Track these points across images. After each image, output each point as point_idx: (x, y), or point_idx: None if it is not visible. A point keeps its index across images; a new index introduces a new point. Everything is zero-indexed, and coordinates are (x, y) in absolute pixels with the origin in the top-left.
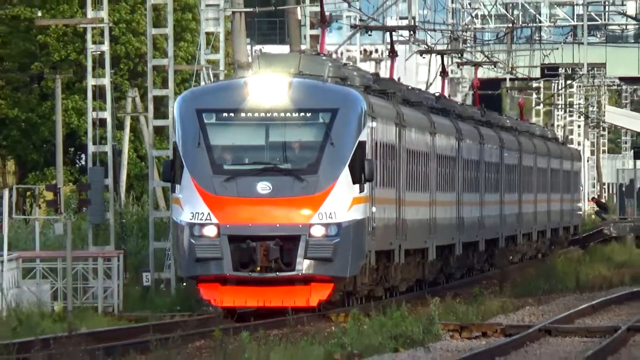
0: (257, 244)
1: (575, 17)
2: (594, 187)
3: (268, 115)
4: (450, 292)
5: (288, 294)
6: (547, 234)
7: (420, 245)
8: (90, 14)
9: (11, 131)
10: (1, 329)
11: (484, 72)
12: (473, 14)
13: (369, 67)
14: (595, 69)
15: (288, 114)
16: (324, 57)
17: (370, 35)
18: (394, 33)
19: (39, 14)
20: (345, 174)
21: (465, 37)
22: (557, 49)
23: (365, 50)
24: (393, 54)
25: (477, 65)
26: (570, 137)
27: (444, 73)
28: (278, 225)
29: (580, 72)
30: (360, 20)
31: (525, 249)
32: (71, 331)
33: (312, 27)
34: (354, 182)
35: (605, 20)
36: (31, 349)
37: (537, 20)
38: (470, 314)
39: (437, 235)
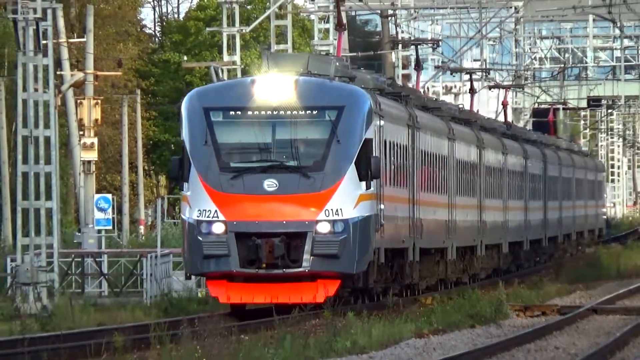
0: (263, 240)
1: (614, 59)
2: (630, 195)
3: (274, 113)
4: (477, 290)
5: (295, 290)
6: (572, 237)
7: (438, 245)
8: (226, 58)
9: (163, 152)
10: (156, 310)
11: (541, 103)
12: (532, 57)
13: (449, 99)
14: (631, 100)
15: (294, 112)
16: (332, 57)
17: (453, 75)
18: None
19: (185, 58)
20: (352, 171)
21: (526, 75)
22: (600, 84)
23: (446, 86)
24: (472, 91)
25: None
26: (601, 152)
27: (472, 90)
28: (285, 222)
29: (619, 103)
30: (442, 62)
31: (550, 250)
32: (212, 312)
33: (403, 67)
34: (361, 179)
35: (638, 61)
36: (179, 326)
37: (584, 61)
38: (533, 297)
39: (458, 237)
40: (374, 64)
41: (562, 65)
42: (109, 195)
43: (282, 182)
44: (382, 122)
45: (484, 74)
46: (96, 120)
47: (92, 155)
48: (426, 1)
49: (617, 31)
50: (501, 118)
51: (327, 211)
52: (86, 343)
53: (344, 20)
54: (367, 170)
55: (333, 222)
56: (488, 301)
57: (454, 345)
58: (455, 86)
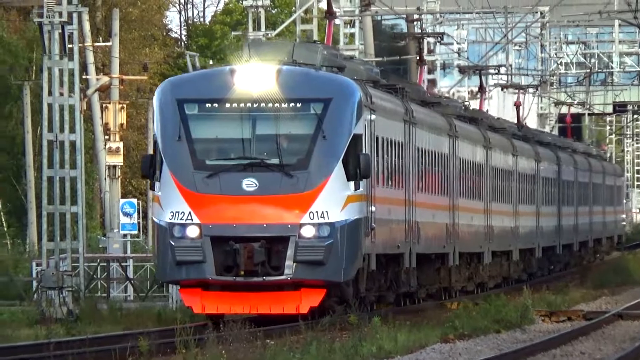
0: (241, 245)
1: None
2: None
3: (255, 105)
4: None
5: (276, 300)
6: (589, 244)
7: (437, 250)
8: None
9: None
10: (181, 315)
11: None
12: (558, 62)
13: (475, 104)
14: None
15: (277, 105)
16: (319, 45)
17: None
18: (495, 76)
19: (211, 62)
20: (339, 170)
21: (552, 80)
22: (626, 89)
23: (472, 91)
24: (482, 90)
25: (563, 103)
26: (627, 158)
27: (481, 89)
28: (265, 225)
29: None
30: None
31: (566, 258)
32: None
33: (429, 72)
34: (349, 179)
35: None
36: (205, 331)
37: (610, 66)
38: (558, 302)
39: (461, 242)
40: (400, 68)
41: (588, 71)
42: (135, 200)
43: (263, 182)
44: (373, 117)
45: (509, 77)
46: (122, 124)
47: (118, 160)
48: (452, 6)
49: None
50: (527, 124)
51: (311, 214)
52: (111, 347)
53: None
54: (355, 169)
55: (318, 226)
56: (513, 306)
57: (479, 350)
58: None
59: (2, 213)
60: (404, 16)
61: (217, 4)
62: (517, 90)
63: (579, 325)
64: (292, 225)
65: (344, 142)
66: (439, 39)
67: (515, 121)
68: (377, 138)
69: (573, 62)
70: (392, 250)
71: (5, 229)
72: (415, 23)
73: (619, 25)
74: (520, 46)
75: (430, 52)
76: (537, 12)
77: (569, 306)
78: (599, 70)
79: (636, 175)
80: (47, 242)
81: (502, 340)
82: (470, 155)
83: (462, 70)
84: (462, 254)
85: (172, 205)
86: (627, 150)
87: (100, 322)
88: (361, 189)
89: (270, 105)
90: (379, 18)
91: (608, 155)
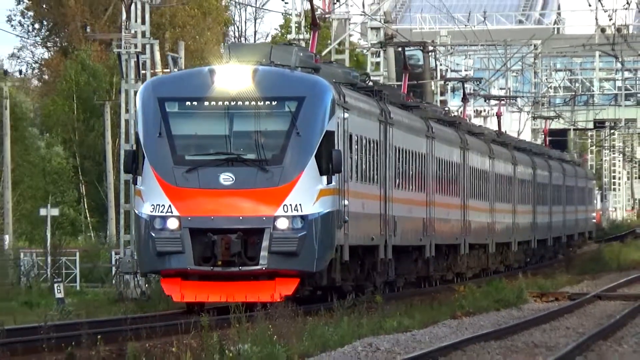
0: (218, 237)
1: (616, 88)
2: (628, 201)
3: (232, 104)
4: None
5: (252, 289)
6: (562, 239)
7: (414, 243)
8: None
9: None
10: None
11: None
12: (548, 86)
13: (480, 121)
14: (630, 122)
15: (253, 103)
16: (295, 47)
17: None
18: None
19: None
20: (312, 165)
21: (543, 101)
22: (605, 109)
23: (476, 110)
24: (465, 99)
25: (548, 118)
26: (605, 166)
27: (464, 98)
28: (241, 217)
29: (620, 125)
30: (474, 90)
31: (541, 252)
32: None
33: (441, 94)
34: (321, 174)
35: (637, 90)
36: (255, 309)
37: (591, 90)
38: (548, 285)
39: (437, 235)
40: (417, 91)
41: (573, 93)
42: None
43: (239, 176)
44: (346, 115)
45: (511, 101)
46: None
47: None
48: (460, 39)
49: (619, 65)
50: (523, 138)
51: (285, 206)
52: (178, 322)
53: (317, 20)
54: (328, 164)
55: (292, 218)
56: (510, 289)
57: (482, 325)
58: (484, 110)
59: (87, 210)
60: (421, 48)
61: (266, 37)
62: (516, 110)
63: (565, 304)
64: (267, 217)
65: (316, 139)
66: (475, 85)
67: (518, 135)
68: (351, 136)
69: (561, 86)
70: (366, 242)
71: (90, 224)
72: (430, 53)
73: (599, 55)
74: (517, 73)
75: (442, 77)
76: (531, 45)
77: (556, 289)
78: (582, 93)
79: (612, 180)
80: (124, 234)
81: (501, 316)
82: (447, 156)
83: (449, 81)
84: (440, 246)
85: (153, 198)
86: (605, 160)
87: (168, 301)
88: (333, 183)
89: (246, 103)
90: (399, 49)
91: (589, 164)
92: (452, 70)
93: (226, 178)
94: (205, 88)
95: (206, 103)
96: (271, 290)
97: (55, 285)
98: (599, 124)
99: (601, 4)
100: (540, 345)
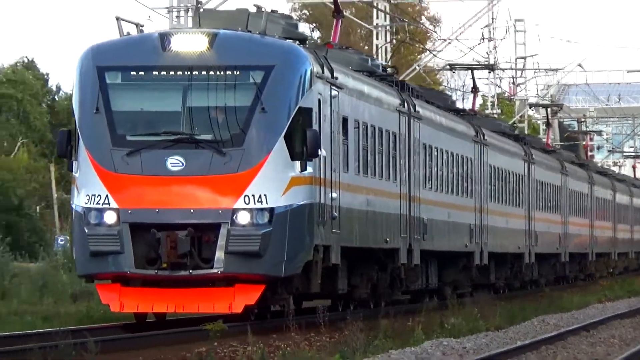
0: (164, 234)
1: None
2: None
3: (186, 74)
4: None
5: (205, 297)
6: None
7: (460, 249)
8: None
9: None
10: None
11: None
12: None
13: (616, 169)
14: None
15: (211, 73)
16: (277, 14)
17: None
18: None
19: None
20: (280, 147)
21: None
22: None
23: (614, 162)
24: (475, 90)
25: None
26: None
27: (474, 89)
28: (192, 211)
29: None
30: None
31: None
32: None
33: (590, 151)
34: (293, 158)
35: None
36: None
37: None
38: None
39: (490, 242)
40: (573, 150)
41: None
42: None
43: (191, 161)
44: (335, 92)
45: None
46: None
47: None
48: (603, 113)
49: None
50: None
51: (247, 197)
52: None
53: (341, 7)
54: (302, 147)
55: (254, 212)
56: (638, 283)
57: (618, 307)
58: (619, 161)
59: None
60: (577, 120)
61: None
62: None
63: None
64: (223, 210)
65: (286, 116)
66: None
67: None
68: (346, 119)
69: None
70: (376, 244)
71: None
72: (582, 122)
73: None
74: None
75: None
76: None
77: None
78: None
79: None
80: None
81: (633, 302)
82: (505, 165)
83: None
84: (540, 254)
85: (88, 187)
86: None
87: None
88: (310, 170)
89: (203, 73)
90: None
91: None
92: (596, 133)
93: (175, 163)
94: (154, 56)
95: (154, 73)
96: (229, 299)
97: None
98: None
99: None
100: None
